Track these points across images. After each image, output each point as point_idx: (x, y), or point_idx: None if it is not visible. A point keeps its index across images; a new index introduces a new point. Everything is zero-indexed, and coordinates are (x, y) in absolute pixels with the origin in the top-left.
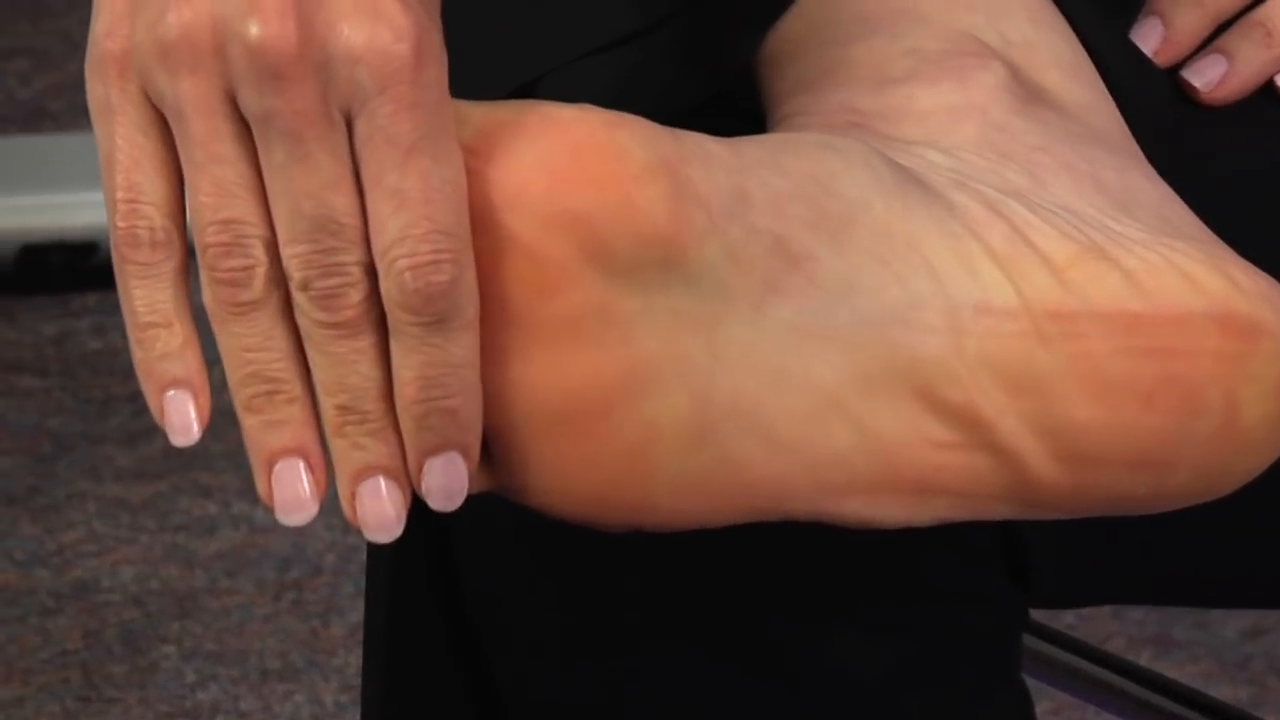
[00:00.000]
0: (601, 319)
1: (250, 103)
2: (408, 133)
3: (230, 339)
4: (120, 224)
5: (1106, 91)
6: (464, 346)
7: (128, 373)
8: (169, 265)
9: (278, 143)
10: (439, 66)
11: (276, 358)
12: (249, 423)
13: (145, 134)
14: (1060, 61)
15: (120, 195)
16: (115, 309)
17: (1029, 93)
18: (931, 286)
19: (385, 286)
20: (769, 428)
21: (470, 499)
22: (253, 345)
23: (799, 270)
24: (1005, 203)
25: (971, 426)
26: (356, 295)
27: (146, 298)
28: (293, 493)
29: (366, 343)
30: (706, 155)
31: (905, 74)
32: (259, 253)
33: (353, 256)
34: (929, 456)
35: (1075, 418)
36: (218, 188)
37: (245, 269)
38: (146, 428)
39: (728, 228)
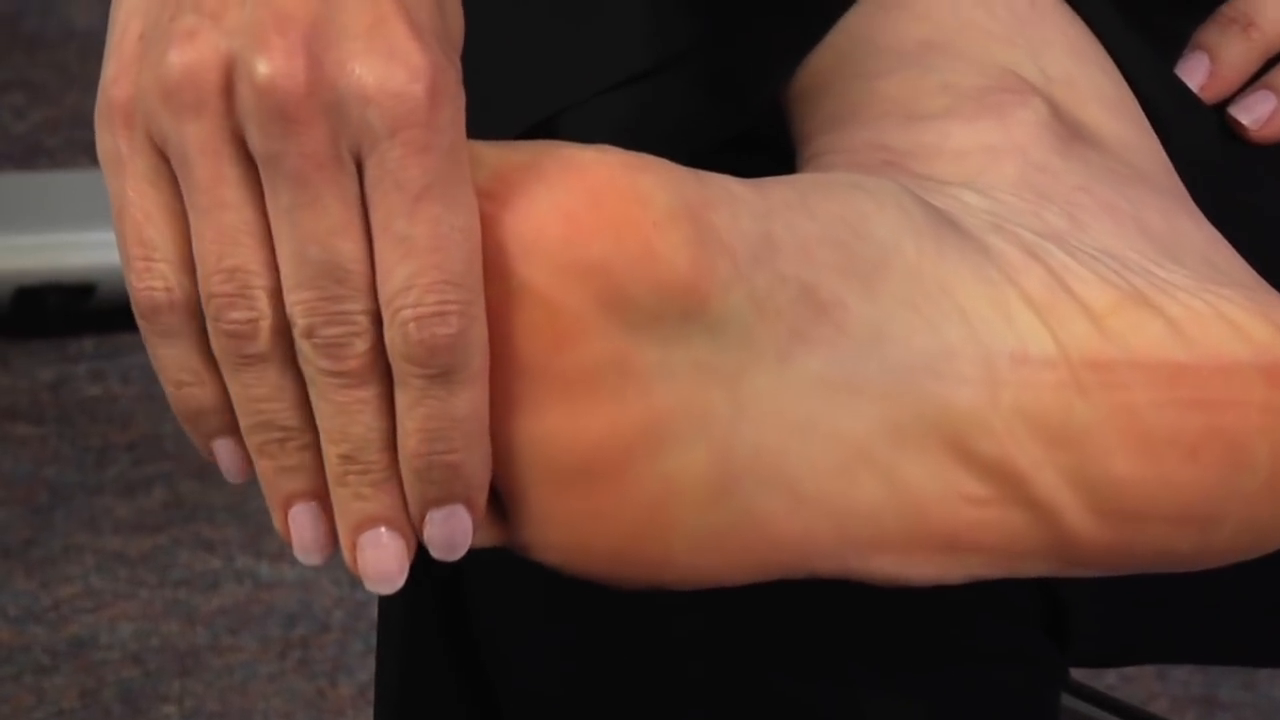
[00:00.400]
0: (619, 371)
1: (257, 144)
2: (418, 178)
3: (239, 387)
4: (136, 284)
5: (1150, 129)
6: (468, 400)
7: (127, 420)
8: (192, 324)
9: (284, 186)
10: (454, 108)
11: (285, 407)
12: (262, 465)
13: (154, 184)
14: (1103, 97)
15: (134, 253)
16: (114, 353)
17: (1070, 130)
18: (965, 334)
19: (389, 336)
20: (794, 482)
21: (483, 550)
22: (261, 395)
23: (827, 318)
24: (1043, 247)
25: (1006, 480)
26: (361, 345)
27: (174, 357)
28: (310, 535)
29: (371, 392)
30: (731, 199)
31: (940, 110)
32: (263, 304)
33: (358, 305)
34: (962, 512)
35: (1115, 472)
36: (221, 234)
37: (250, 322)
38: (146, 478)
39: (753, 275)
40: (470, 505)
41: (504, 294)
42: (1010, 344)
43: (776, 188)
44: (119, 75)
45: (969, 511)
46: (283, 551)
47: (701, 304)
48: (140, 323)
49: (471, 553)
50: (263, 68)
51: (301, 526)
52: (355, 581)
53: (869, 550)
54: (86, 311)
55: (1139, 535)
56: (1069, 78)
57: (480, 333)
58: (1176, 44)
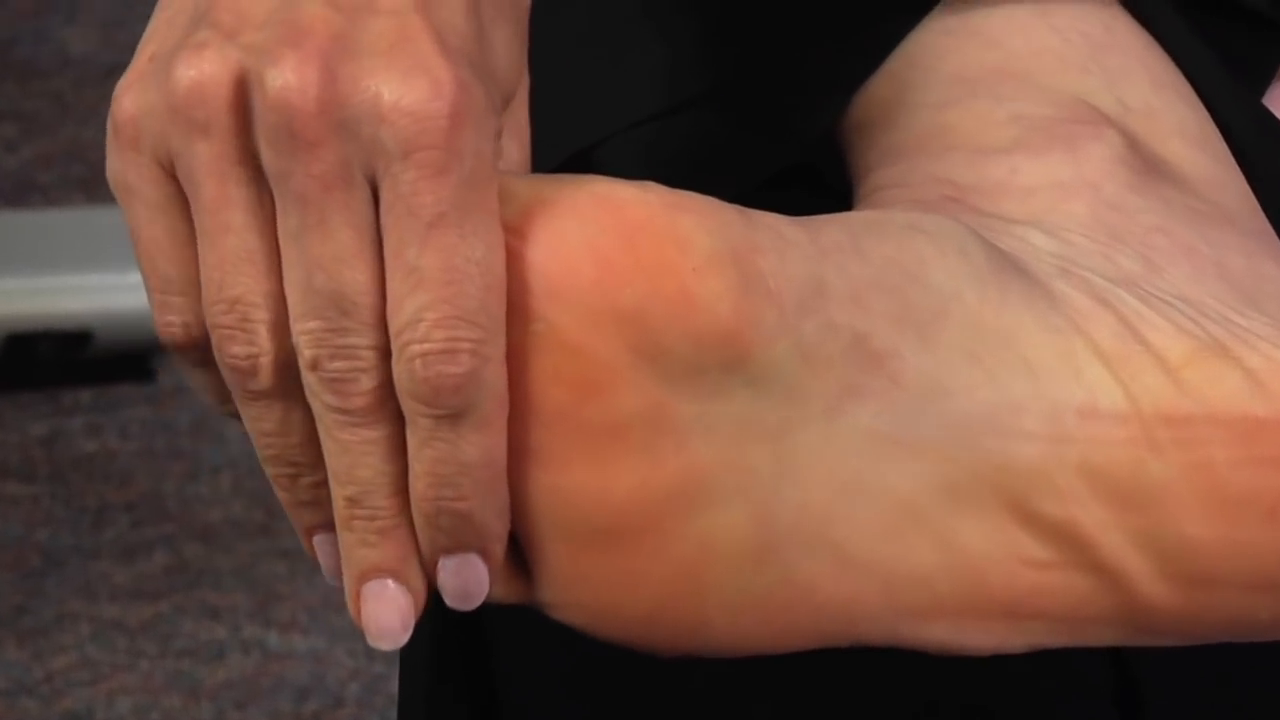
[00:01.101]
0: (652, 425)
1: (267, 161)
2: (431, 204)
3: (248, 420)
4: (156, 319)
5: (1234, 163)
6: (480, 446)
7: (125, 478)
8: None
9: (292, 207)
10: (477, 132)
11: (295, 443)
12: (281, 496)
13: (165, 211)
14: (1184, 130)
15: (150, 284)
16: (112, 406)
17: (1148, 165)
18: (1029, 388)
19: (396, 372)
20: (840, 545)
21: (506, 606)
22: (268, 430)
23: (880, 370)
24: (1115, 293)
25: (1071, 543)
26: (368, 381)
27: (206, 383)
28: (334, 564)
29: (379, 433)
30: (780, 241)
31: (1008, 143)
32: (264, 338)
33: (365, 339)
34: (1023, 576)
35: (1189, 534)
36: (223, 260)
37: (249, 358)
38: (146, 540)
39: (801, 324)
40: (485, 555)
41: (528, 337)
42: (1078, 397)
43: (828, 228)
44: (124, 92)
45: (1030, 576)
46: (294, 620)
47: (744, 355)
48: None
49: (493, 607)
50: (272, 80)
51: (325, 555)
52: (371, 653)
53: (922, 617)
54: (82, 361)
55: (1214, 602)
56: (1148, 108)
57: (495, 375)
58: (1262, 74)
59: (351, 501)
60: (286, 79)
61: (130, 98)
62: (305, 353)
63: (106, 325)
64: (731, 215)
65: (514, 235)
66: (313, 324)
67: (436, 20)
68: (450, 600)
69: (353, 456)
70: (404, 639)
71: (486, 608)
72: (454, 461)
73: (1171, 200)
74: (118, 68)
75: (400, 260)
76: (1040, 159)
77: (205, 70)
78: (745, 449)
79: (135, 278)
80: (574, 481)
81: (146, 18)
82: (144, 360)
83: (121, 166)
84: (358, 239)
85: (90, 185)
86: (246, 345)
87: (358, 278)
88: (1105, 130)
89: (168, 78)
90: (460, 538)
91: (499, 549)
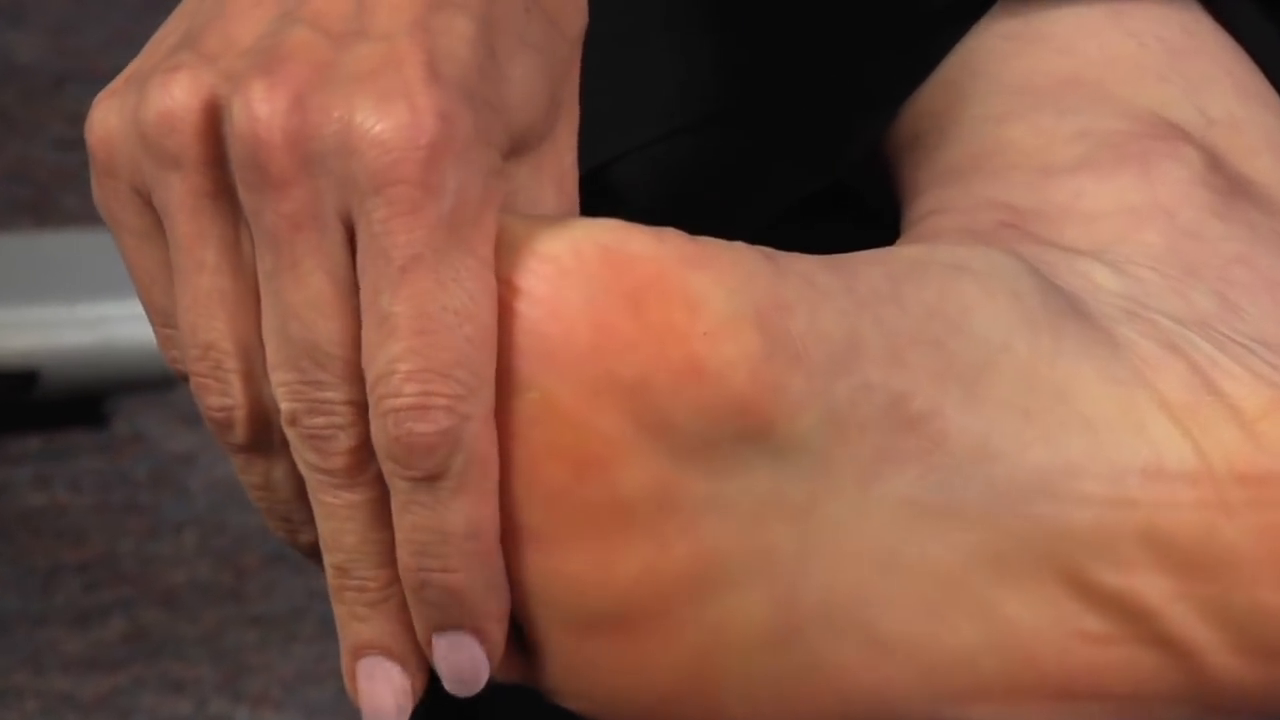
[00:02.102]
0: (658, 506)
1: (241, 197)
2: (403, 244)
3: (238, 471)
4: (163, 353)
5: None
6: (462, 514)
7: (79, 536)
8: None
9: (265, 248)
10: (461, 166)
11: (283, 499)
12: (283, 539)
13: (152, 240)
14: (1273, 144)
15: (150, 316)
16: (62, 454)
17: (1231, 185)
18: (1087, 446)
19: (373, 428)
20: (872, 626)
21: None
22: (255, 484)
23: (919, 432)
24: (1185, 336)
25: (1132, 616)
26: (346, 440)
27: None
28: None
29: (363, 496)
30: (813, 294)
31: (1074, 162)
32: (238, 390)
33: (341, 394)
34: (1078, 652)
35: (1265, 603)
36: (195, 302)
37: (224, 410)
38: (101, 605)
39: (832, 388)
40: (481, 635)
41: (523, 405)
42: (1142, 456)
43: (866, 273)
44: (95, 111)
45: (1086, 652)
46: (266, 694)
47: (764, 427)
48: None
49: (493, 686)
50: (238, 110)
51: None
52: None
53: (964, 699)
54: (28, 404)
55: None
56: (1232, 119)
57: (479, 436)
58: None
59: (340, 570)
60: (252, 109)
61: (100, 118)
62: (282, 405)
63: (55, 364)
64: (757, 267)
65: (507, 288)
66: (289, 375)
67: (431, 46)
68: (447, 684)
69: (337, 521)
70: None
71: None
72: (435, 529)
73: (1257, 225)
74: (69, 78)
75: (374, 308)
76: (1109, 181)
77: (175, 97)
78: (765, 529)
79: (87, 311)
80: (573, 565)
81: (101, 22)
82: (96, 404)
83: (101, 193)
84: (332, 284)
85: (38, 208)
86: (220, 396)
87: (331, 326)
88: (1183, 147)
89: (140, 103)
90: (450, 614)
91: (496, 629)
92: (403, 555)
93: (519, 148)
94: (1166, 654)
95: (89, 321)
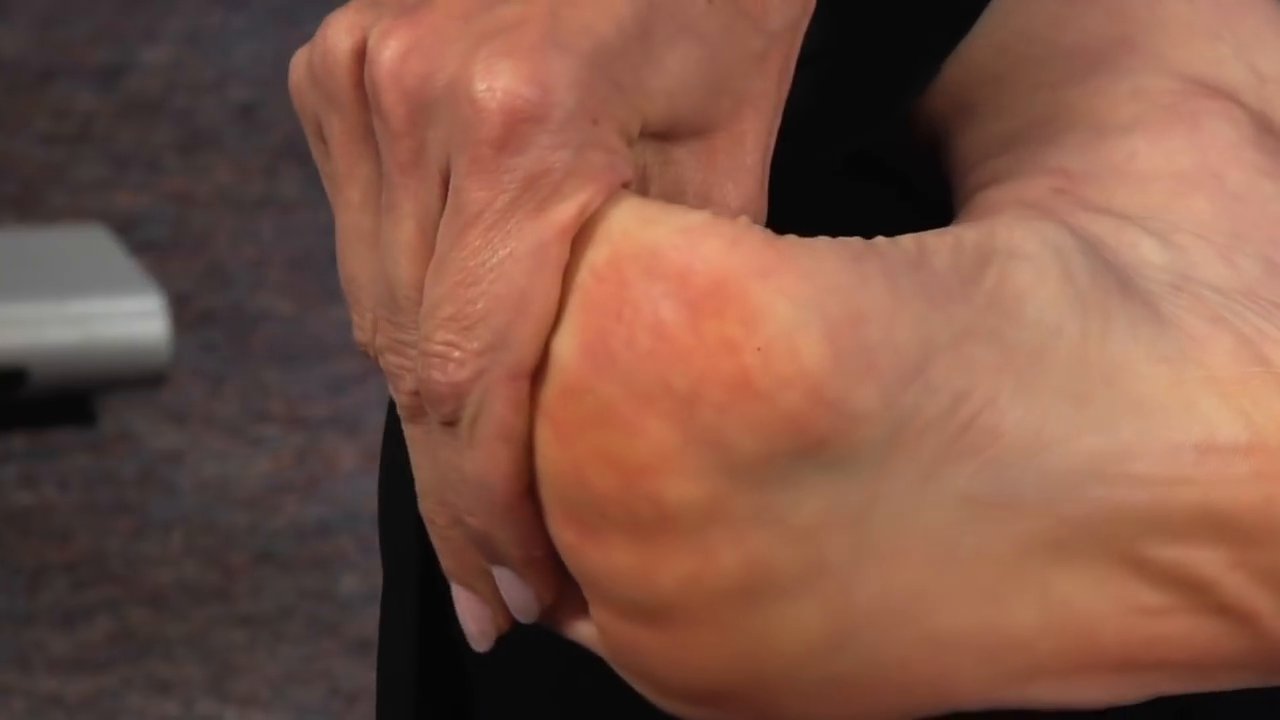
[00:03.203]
0: (706, 517)
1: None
2: (471, 201)
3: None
4: None
5: None
6: (474, 465)
7: (65, 535)
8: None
9: (386, 188)
10: (553, 135)
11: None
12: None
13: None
14: None
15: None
16: (50, 454)
17: None
18: (1139, 428)
19: None
20: (928, 622)
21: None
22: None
23: (977, 426)
24: (1232, 308)
25: (1190, 587)
26: (411, 381)
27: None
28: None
29: (428, 434)
30: (894, 301)
31: (1128, 121)
32: (368, 324)
33: (411, 336)
34: (1137, 626)
35: None
36: (342, 236)
37: (361, 344)
38: (88, 605)
39: (900, 399)
40: (521, 576)
41: (578, 406)
42: (1194, 434)
43: (938, 260)
44: (295, 58)
45: (1146, 625)
46: (254, 694)
47: (821, 445)
48: None
49: (475, 665)
50: (369, 54)
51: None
52: None
53: (1023, 680)
54: (16, 403)
55: None
56: None
57: (493, 394)
58: None
59: (421, 501)
60: (378, 54)
61: (295, 61)
62: (376, 340)
63: (43, 362)
64: (838, 275)
65: (585, 274)
66: (381, 311)
67: (567, 16)
68: (513, 610)
69: (414, 454)
70: (483, 645)
71: (471, 668)
72: (455, 470)
73: None
74: (54, 72)
75: (436, 256)
76: (1160, 142)
77: (333, 39)
78: (818, 540)
79: (74, 308)
80: (618, 561)
81: (88, 16)
82: (84, 402)
83: (307, 134)
84: (418, 231)
85: (23, 203)
86: (358, 329)
87: (410, 270)
88: (1233, 108)
89: (314, 44)
90: (486, 552)
91: (532, 574)
92: (440, 490)
93: (673, 133)
94: (1225, 621)
95: (76, 319)
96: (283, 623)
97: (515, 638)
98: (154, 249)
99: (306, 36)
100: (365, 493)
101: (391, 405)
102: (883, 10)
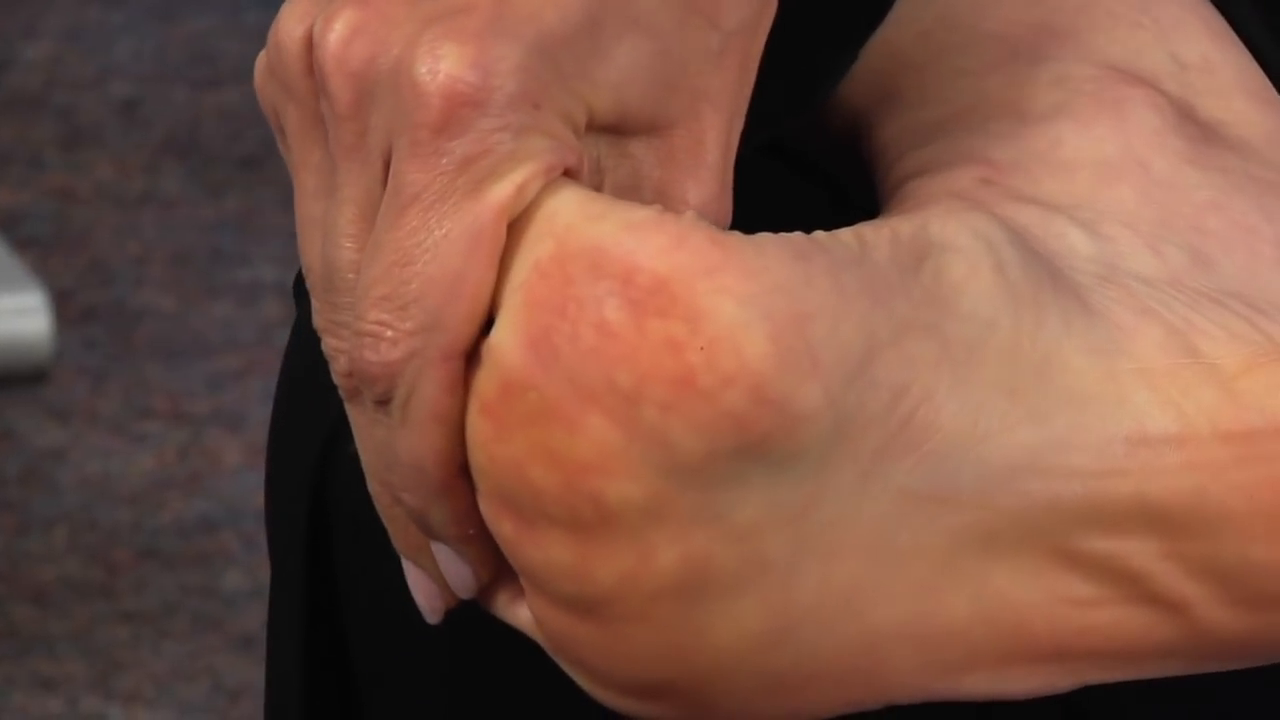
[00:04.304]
0: (646, 515)
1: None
2: (409, 184)
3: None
4: None
5: None
6: (405, 443)
7: None
8: None
9: (332, 172)
10: (493, 119)
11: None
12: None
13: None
14: (1246, 85)
15: None
16: None
17: (1204, 132)
18: (1071, 421)
19: None
20: (866, 616)
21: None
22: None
23: (915, 422)
24: (1160, 298)
25: (1121, 579)
26: (344, 363)
27: None
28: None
29: (366, 415)
30: (839, 299)
31: (1051, 110)
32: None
33: (347, 317)
34: (1069, 617)
35: (1254, 558)
36: (300, 222)
37: (320, 330)
38: None
39: (844, 396)
40: (458, 552)
41: (520, 403)
42: (1126, 426)
43: (878, 256)
44: (258, 61)
45: (1077, 616)
46: (138, 691)
47: (764, 444)
48: None
49: (361, 657)
50: (315, 39)
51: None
52: None
53: (958, 671)
54: None
55: None
56: (1205, 62)
57: (425, 375)
58: None
59: (369, 478)
60: (328, 38)
61: (258, 63)
62: (317, 321)
63: None
64: (784, 271)
65: (528, 270)
66: (320, 294)
67: (514, 3)
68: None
69: (357, 436)
70: (435, 619)
71: (359, 664)
72: (389, 450)
73: (1231, 170)
74: None
75: (372, 238)
76: (1085, 130)
77: (285, 27)
78: (759, 538)
79: None
80: (554, 557)
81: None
82: None
83: (273, 130)
84: (358, 214)
85: None
86: (314, 316)
87: (346, 253)
88: (1156, 95)
89: (269, 38)
90: (424, 528)
91: (469, 551)
92: (380, 470)
93: (624, 127)
94: (1156, 611)
95: None
96: (167, 619)
97: (403, 631)
98: (35, 245)
99: (187, 33)
100: (249, 489)
101: (275, 402)
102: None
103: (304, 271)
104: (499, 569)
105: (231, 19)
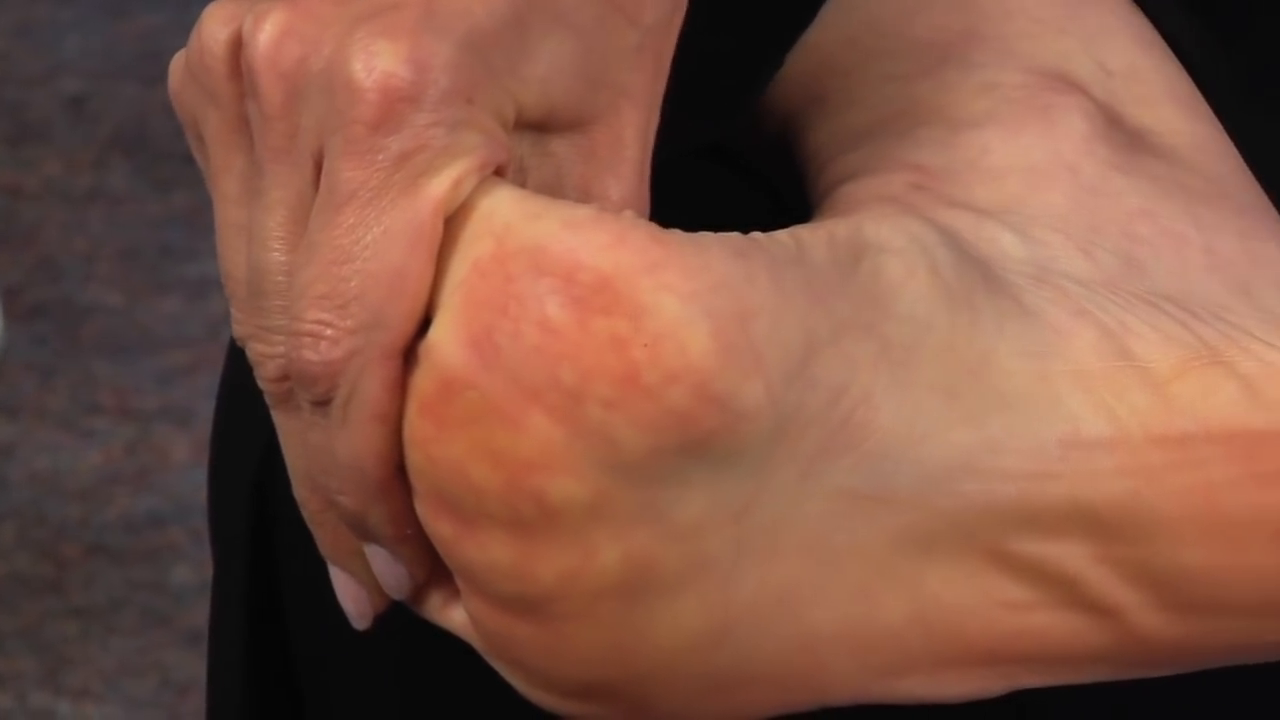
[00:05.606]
0: (588, 514)
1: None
2: (345, 181)
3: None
4: None
5: (1223, 129)
6: (345, 443)
7: None
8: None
9: (257, 175)
10: (428, 115)
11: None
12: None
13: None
14: (1174, 93)
15: None
16: None
17: (1131, 139)
18: (1007, 422)
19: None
20: (804, 617)
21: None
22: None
23: (854, 422)
24: (1094, 300)
25: (1054, 583)
26: (275, 368)
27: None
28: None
29: (295, 420)
30: (779, 296)
31: (980, 116)
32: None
33: (276, 323)
34: (1002, 621)
35: (1187, 563)
36: (220, 228)
37: (239, 330)
38: None
39: (785, 394)
40: (394, 554)
41: (461, 402)
42: (1059, 429)
43: (817, 256)
44: (173, 64)
45: (1010, 620)
46: (86, 687)
47: (707, 441)
48: None
49: (304, 654)
50: (245, 40)
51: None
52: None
53: (893, 674)
54: None
55: (1217, 629)
56: (1131, 70)
57: (367, 374)
58: (1244, 33)
59: (296, 485)
60: (254, 39)
61: (174, 66)
62: (240, 329)
63: None
64: (725, 271)
65: (467, 269)
66: (245, 299)
67: (444, 2)
68: (384, 587)
69: (283, 438)
70: (363, 625)
71: (301, 663)
72: (327, 452)
73: (1159, 176)
74: None
75: (307, 237)
76: (1013, 137)
77: (209, 31)
78: (701, 537)
79: None
80: (494, 556)
81: None
82: None
83: (188, 137)
84: (289, 217)
85: None
86: (236, 323)
87: (277, 256)
88: (1084, 101)
89: (190, 42)
90: (358, 531)
91: (405, 551)
92: (311, 473)
93: (549, 124)
94: (1089, 616)
95: None
96: (115, 615)
97: (345, 631)
98: None
99: (135, 29)
100: (196, 484)
101: (219, 398)
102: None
103: (224, 279)
104: (433, 573)
105: (180, 16)
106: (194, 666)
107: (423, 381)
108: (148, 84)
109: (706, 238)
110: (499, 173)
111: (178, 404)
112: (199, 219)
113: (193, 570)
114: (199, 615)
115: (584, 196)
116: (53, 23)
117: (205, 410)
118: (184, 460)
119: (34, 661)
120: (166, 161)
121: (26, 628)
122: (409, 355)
